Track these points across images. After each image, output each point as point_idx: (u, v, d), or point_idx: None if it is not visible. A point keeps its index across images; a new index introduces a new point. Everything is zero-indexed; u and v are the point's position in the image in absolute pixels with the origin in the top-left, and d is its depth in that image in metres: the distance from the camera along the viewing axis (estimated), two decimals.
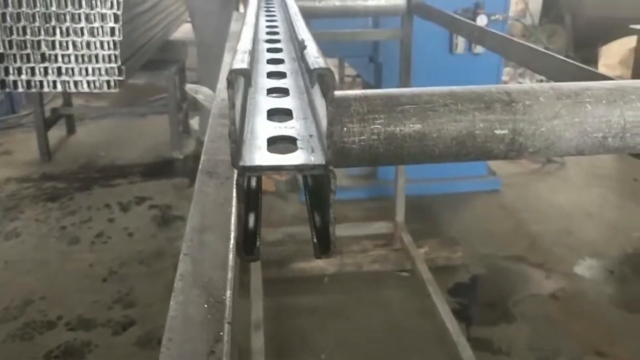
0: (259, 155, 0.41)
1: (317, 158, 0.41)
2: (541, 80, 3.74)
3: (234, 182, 0.40)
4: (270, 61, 0.65)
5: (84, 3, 2.96)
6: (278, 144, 0.43)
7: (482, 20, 3.14)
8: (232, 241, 0.59)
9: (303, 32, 0.65)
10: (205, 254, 0.59)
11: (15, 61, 3.03)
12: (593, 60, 5.71)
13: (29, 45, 3.00)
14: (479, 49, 3.27)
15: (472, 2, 3.24)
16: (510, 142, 0.63)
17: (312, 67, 0.46)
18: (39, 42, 3.00)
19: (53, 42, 3.00)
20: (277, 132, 0.45)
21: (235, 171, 0.40)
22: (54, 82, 3.08)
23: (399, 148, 0.60)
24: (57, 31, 2.99)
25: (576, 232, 3.20)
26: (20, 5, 2.94)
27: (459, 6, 3.17)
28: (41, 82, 3.08)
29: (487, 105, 0.63)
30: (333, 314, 2.54)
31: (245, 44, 0.54)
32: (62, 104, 4.63)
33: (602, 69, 5.35)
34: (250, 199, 0.44)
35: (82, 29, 2.99)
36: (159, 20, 4.15)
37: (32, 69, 3.04)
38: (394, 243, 2.90)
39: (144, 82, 4.73)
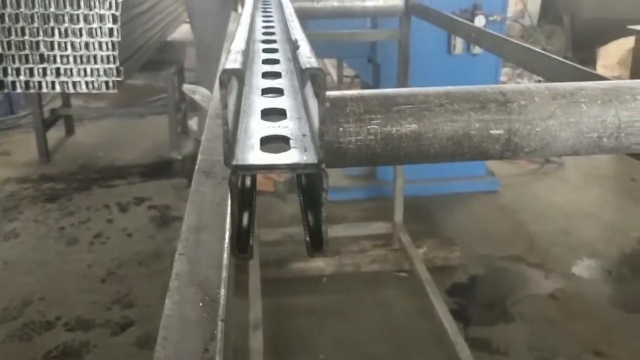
0: (252, 155, 0.41)
1: (309, 157, 0.41)
2: (539, 81, 3.74)
3: (228, 181, 0.40)
4: (266, 61, 0.65)
5: (82, 4, 2.96)
6: (271, 143, 0.43)
7: (480, 21, 3.14)
8: (227, 240, 0.59)
9: (297, 32, 0.65)
10: (201, 253, 0.59)
11: (13, 62, 3.03)
12: (591, 61, 5.71)
13: (27, 46, 3.00)
14: (477, 49, 3.27)
15: (470, 2, 3.25)
16: (506, 142, 0.64)
17: (303, 67, 0.46)
18: (37, 42, 3.00)
19: (52, 42, 3.00)
20: (271, 132, 0.45)
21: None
22: (53, 82, 3.08)
23: (395, 148, 0.60)
24: (56, 32, 2.99)
25: (574, 232, 3.20)
26: (18, 6, 2.94)
27: (457, 7, 3.17)
28: (40, 82, 3.08)
29: (483, 105, 0.63)
30: (332, 314, 2.55)
31: (238, 44, 0.54)
32: (60, 104, 4.63)
33: (600, 69, 5.35)
34: (244, 198, 0.45)
35: (80, 29, 2.99)
36: (157, 21, 4.15)
37: (31, 69, 3.04)
38: (393, 243, 2.90)
39: (142, 83, 4.73)
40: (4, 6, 2.94)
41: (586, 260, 2.94)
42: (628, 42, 4.95)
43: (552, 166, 4.02)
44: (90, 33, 3.00)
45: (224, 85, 0.41)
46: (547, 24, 7.12)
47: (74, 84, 3.08)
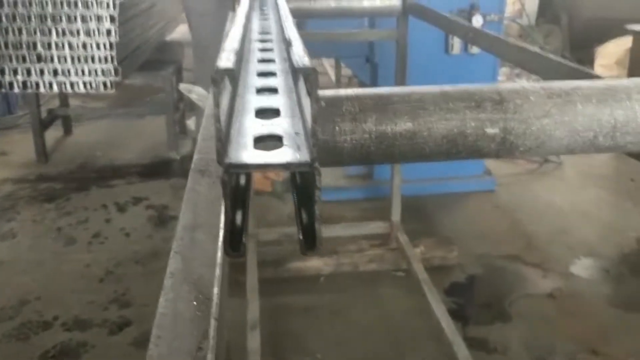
0: (245, 153, 0.41)
1: (302, 155, 0.41)
2: (537, 80, 3.74)
3: (220, 179, 0.40)
4: (261, 60, 0.66)
5: (79, 4, 2.96)
6: (265, 141, 0.43)
7: (477, 21, 3.15)
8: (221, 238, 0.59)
9: (291, 32, 0.65)
10: (196, 252, 0.59)
11: (11, 62, 3.02)
12: (589, 61, 5.71)
13: (25, 46, 3.00)
14: (474, 49, 3.27)
15: (468, 2, 3.25)
16: (501, 141, 0.64)
17: (296, 66, 0.46)
18: (35, 42, 2.99)
19: (49, 42, 3.00)
20: (264, 130, 0.45)
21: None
22: (50, 82, 3.08)
23: (390, 146, 0.60)
24: (53, 32, 2.99)
25: (573, 231, 3.21)
26: (15, 6, 2.94)
27: (454, 7, 3.17)
28: (37, 82, 3.07)
29: (478, 104, 0.63)
30: (329, 313, 2.54)
31: (232, 43, 0.54)
32: (58, 104, 4.62)
33: (598, 69, 5.36)
34: (238, 197, 0.45)
35: (78, 29, 2.99)
36: (155, 21, 4.15)
37: (28, 69, 3.04)
38: (390, 243, 2.90)
39: (140, 83, 4.72)
40: (1, 6, 2.93)
41: (584, 260, 2.94)
42: (626, 41, 4.95)
43: (550, 166, 4.03)
44: (87, 33, 3.00)
45: (216, 84, 0.41)
46: (544, 24, 7.12)
47: (71, 84, 3.08)
